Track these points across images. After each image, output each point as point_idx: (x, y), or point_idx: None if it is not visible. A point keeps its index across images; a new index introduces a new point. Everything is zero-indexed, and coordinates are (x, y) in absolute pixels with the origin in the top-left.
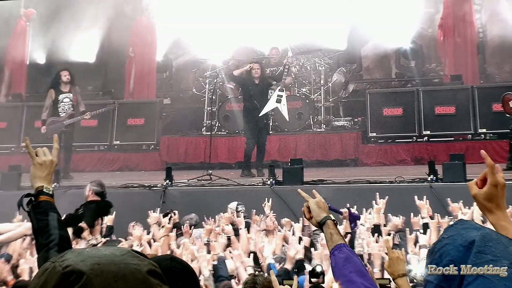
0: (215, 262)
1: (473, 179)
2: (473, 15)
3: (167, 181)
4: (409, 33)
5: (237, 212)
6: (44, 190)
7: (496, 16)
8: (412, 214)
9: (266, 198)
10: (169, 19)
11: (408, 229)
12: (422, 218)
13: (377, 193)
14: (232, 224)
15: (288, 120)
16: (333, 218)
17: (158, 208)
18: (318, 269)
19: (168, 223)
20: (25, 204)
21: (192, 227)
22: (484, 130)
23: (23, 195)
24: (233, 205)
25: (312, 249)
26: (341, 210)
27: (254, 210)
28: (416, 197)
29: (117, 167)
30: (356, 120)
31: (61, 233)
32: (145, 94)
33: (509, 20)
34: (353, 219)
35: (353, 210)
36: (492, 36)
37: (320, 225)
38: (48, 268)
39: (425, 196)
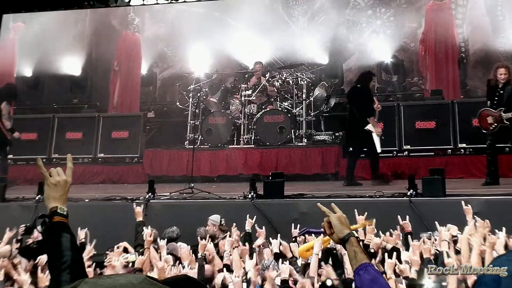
0: None
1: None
2: (455, 30)
3: (150, 194)
4: (391, 48)
5: (221, 225)
6: (58, 210)
7: (477, 31)
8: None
9: (249, 215)
10: (154, 33)
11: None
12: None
13: (356, 210)
14: (214, 237)
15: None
16: (356, 235)
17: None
18: (329, 283)
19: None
20: (39, 225)
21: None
22: (464, 145)
23: (37, 216)
24: (216, 217)
25: None
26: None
27: (235, 224)
28: (399, 216)
29: (100, 180)
30: (337, 134)
31: (74, 255)
32: (129, 108)
33: (490, 34)
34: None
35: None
36: (474, 50)
37: (343, 242)
38: None
39: (407, 216)
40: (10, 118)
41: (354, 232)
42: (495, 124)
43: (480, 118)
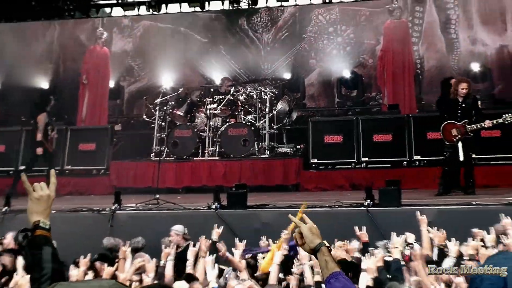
0: None
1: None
2: (411, 47)
3: (116, 205)
4: (350, 64)
5: (184, 234)
6: (41, 224)
7: (432, 48)
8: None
9: (217, 225)
10: (122, 47)
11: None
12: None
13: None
14: (178, 246)
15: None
16: (327, 244)
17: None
18: None
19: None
20: (21, 238)
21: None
22: (418, 157)
23: (19, 230)
24: (179, 227)
25: None
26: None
27: (204, 236)
28: (356, 228)
29: (67, 191)
30: (299, 147)
31: (54, 267)
32: (97, 120)
33: (444, 52)
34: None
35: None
36: (429, 67)
37: (314, 252)
38: None
39: (364, 227)
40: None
41: (325, 242)
42: (459, 135)
43: (444, 131)
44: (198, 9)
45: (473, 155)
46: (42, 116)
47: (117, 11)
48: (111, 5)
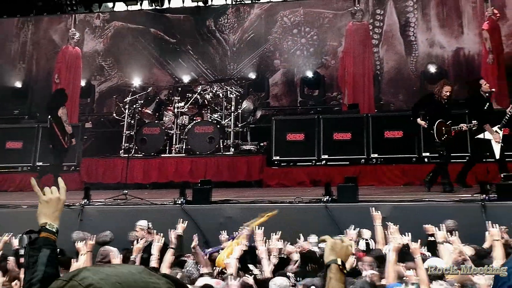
0: None
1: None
2: (372, 49)
3: (85, 200)
4: (313, 64)
5: (149, 228)
6: (47, 227)
7: (392, 50)
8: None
9: (181, 220)
10: (93, 47)
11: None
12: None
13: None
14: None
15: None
16: (339, 263)
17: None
18: None
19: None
20: (26, 240)
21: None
22: (375, 155)
23: (24, 232)
24: (143, 222)
25: None
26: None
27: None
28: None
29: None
30: (262, 144)
31: (47, 270)
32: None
33: (402, 54)
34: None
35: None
36: (388, 68)
37: (326, 267)
38: (65, 285)
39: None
40: (69, 123)
41: (338, 259)
42: (446, 135)
43: (437, 130)
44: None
45: (428, 154)
46: (64, 110)
47: (120, 6)
48: (113, 0)
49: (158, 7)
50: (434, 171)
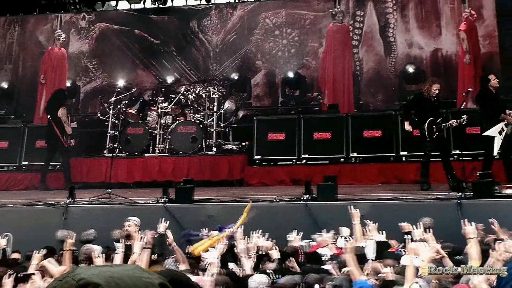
0: None
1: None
2: (351, 50)
3: (70, 199)
4: (294, 65)
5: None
6: None
7: (371, 51)
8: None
9: (164, 219)
10: (78, 49)
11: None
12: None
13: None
14: (129, 237)
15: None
16: None
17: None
18: None
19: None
20: None
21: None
22: (355, 154)
23: None
24: (137, 219)
25: None
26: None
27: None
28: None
29: (24, 186)
30: (244, 144)
31: None
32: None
33: (382, 55)
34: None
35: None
36: (368, 68)
37: None
38: (60, 281)
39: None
40: (69, 124)
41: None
42: (437, 133)
43: (428, 128)
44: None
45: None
46: (64, 110)
47: (123, 5)
48: None
49: (161, 6)
50: (422, 171)
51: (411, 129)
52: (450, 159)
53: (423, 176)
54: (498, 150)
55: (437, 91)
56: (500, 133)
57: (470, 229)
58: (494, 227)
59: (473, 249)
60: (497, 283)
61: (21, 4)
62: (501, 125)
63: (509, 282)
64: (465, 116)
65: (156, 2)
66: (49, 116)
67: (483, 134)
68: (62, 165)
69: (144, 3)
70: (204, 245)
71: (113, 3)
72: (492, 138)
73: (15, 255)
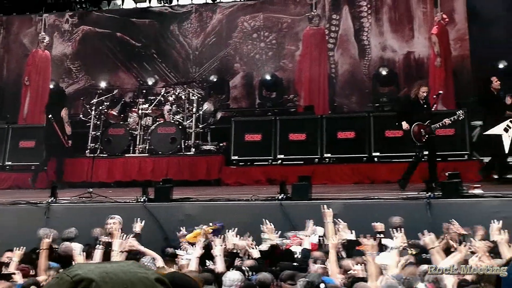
0: None
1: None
2: (327, 53)
3: (52, 198)
4: (271, 68)
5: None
6: None
7: (346, 54)
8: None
9: (139, 219)
10: (62, 51)
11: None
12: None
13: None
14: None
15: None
16: None
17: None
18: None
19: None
20: None
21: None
22: (328, 155)
23: None
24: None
25: None
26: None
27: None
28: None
29: (7, 186)
30: (222, 144)
31: None
32: (37, 119)
33: (356, 58)
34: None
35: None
36: (343, 71)
37: None
38: (56, 278)
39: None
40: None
41: None
42: (426, 135)
43: (414, 132)
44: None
45: (378, 153)
46: (66, 110)
47: (128, 3)
48: None
49: (167, 5)
50: (408, 170)
51: (408, 127)
52: (421, 161)
53: (407, 174)
54: (509, 147)
55: (425, 94)
56: (506, 130)
57: (428, 240)
58: (454, 227)
59: (435, 257)
60: (503, 285)
61: (27, 2)
62: (506, 122)
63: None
64: (460, 111)
65: (162, 1)
66: (50, 116)
67: (485, 133)
68: (57, 164)
69: (150, 2)
70: (194, 234)
71: (119, 2)
72: (498, 137)
73: None
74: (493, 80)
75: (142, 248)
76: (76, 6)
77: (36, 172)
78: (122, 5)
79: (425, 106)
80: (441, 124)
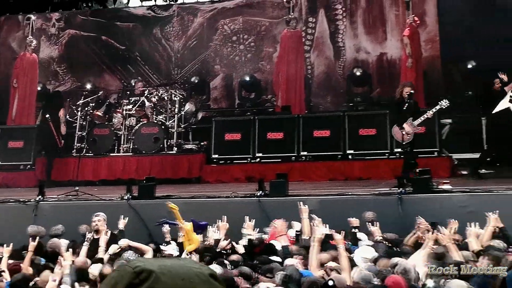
0: None
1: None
2: (303, 55)
3: (40, 196)
4: (250, 69)
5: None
6: None
7: (322, 55)
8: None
9: (123, 216)
10: (49, 54)
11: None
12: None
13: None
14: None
15: None
16: None
17: None
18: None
19: None
20: None
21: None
22: (305, 153)
23: None
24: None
25: None
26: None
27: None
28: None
29: None
30: (203, 143)
31: None
32: (25, 120)
33: (332, 59)
34: (200, 227)
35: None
36: (318, 72)
37: None
38: (118, 270)
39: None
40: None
41: None
42: (410, 133)
43: (395, 133)
44: None
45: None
46: (63, 111)
47: (134, 1)
48: None
49: (172, 2)
50: (404, 168)
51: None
52: (392, 157)
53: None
54: None
55: (408, 93)
56: (511, 101)
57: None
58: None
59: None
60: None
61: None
62: (508, 95)
63: None
64: (443, 100)
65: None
66: (47, 116)
67: (494, 111)
68: (47, 164)
69: (155, 0)
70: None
71: (125, 0)
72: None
73: None
74: (496, 82)
75: (134, 244)
76: (82, 5)
77: (48, 170)
78: (128, 3)
79: (407, 104)
80: (423, 118)
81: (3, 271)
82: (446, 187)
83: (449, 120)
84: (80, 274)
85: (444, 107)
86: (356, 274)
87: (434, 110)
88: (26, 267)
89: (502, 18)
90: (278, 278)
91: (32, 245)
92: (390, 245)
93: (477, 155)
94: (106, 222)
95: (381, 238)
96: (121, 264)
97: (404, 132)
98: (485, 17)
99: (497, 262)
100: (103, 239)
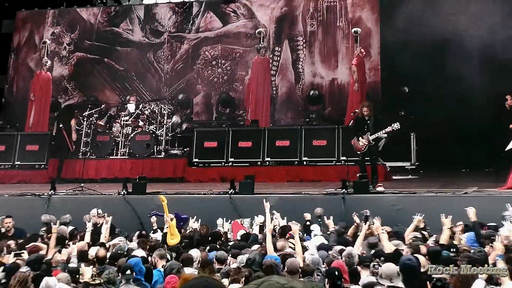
0: None
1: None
2: (270, 78)
3: (51, 191)
4: (226, 89)
5: (98, 214)
6: None
7: (285, 79)
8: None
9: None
10: (60, 73)
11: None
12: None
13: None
14: (96, 224)
15: None
16: None
17: None
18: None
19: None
20: None
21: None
22: (268, 159)
23: None
24: (93, 211)
25: None
26: (171, 215)
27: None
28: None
29: (16, 181)
30: (186, 149)
31: None
32: (40, 128)
33: (293, 82)
34: (182, 220)
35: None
36: (282, 93)
37: None
38: (267, 284)
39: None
40: (77, 132)
41: None
42: (366, 144)
43: (354, 144)
44: None
45: (307, 158)
46: (75, 120)
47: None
48: None
49: (186, 0)
50: (372, 173)
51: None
52: (338, 164)
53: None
54: None
55: (367, 112)
56: None
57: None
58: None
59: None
60: None
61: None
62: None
63: None
64: (395, 124)
65: None
66: (61, 125)
67: (506, 149)
68: (59, 164)
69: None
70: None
71: None
72: None
73: None
74: (508, 98)
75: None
76: (97, 2)
77: (59, 168)
78: (142, 0)
79: (368, 122)
80: (377, 135)
81: (22, 252)
82: (380, 189)
83: (385, 135)
84: (81, 255)
85: (395, 129)
86: (308, 258)
87: (387, 130)
88: (52, 245)
89: (431, 52)
90: (244, 260)
91: (54, 227)
92: (339, 235)
93: (406, 164)
94: (97, 216)
95: (333, 229)
96: (260, 280)
97: (361, 144)
98: (417, 52)
99: (415, 251)
100: (105, 227)
